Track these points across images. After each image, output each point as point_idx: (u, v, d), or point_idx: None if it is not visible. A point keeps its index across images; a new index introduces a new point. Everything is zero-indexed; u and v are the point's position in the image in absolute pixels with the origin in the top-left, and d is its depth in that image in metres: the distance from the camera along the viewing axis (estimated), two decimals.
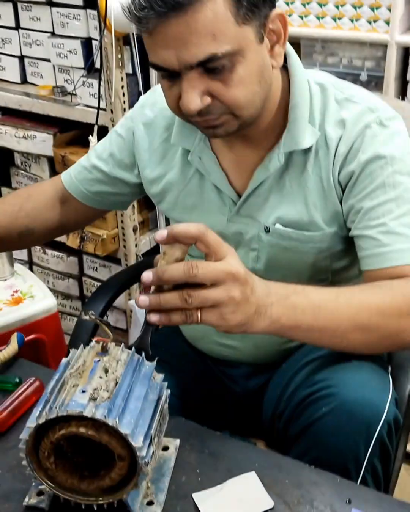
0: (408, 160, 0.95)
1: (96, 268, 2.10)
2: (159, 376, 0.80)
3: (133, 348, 0.80)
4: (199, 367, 1.17)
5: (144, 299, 0.76)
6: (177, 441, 0.85)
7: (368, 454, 0.87)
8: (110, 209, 1.26)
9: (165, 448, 0.84)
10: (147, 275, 0.75)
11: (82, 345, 0.80)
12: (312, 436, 0.91)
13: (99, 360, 0.76)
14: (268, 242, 1.03)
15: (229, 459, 0.83)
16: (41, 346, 1.69)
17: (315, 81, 0.99)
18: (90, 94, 1.84)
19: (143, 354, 0.80)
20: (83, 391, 0.71)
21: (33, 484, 0.78)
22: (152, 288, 0.78)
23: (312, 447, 0.91)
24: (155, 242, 0.82)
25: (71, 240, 2.00)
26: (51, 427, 0.71)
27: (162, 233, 0.76)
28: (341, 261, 1.05)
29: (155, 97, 1.10)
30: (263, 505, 0.77)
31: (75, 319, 2.21)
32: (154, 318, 0.75)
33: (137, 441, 0.69)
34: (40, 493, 0.77)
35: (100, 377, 0.73)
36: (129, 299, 1.99)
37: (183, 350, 1.17)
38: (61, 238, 2.05)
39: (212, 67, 0.85)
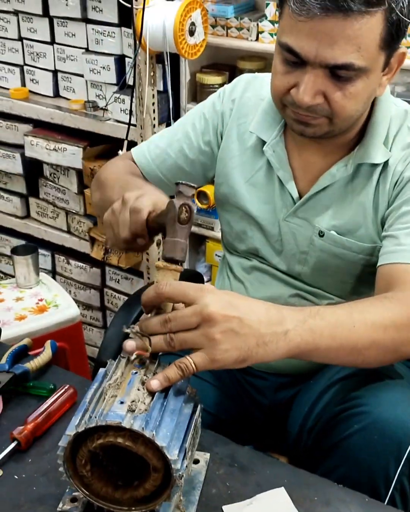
0: None
1: (119, 280, 2.11)
2: (194, 390, 0.80)
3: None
4: (228, 380, 1.17)
5: (131, 344, 0.76)
6: (208, 455, 0.85)
7: (397, 473, 0.87)
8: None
9: (196, 462, 0.84)
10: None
11: (119, 357, 0.80)
12: (342, 452, 0.91)
13: (136, 372, 0.76)
14: (320, 246, 1.07)
15: (258, 474, 0.83)
16: (63, 354, 1.71)
17: (400, 106, 1.04)
18: (121, 110, 1.86)
19: None
20: (122, 402, 0.72)
21: (67, 490, 0.78)
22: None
23: (341, 463, 0.91)
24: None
25: (96, 252, 2.01)
26: (89, 435, 0.71)
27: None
28: None
29: (238, 87, 1.15)
30: None
31: (95, 329, 2.23)
32: (155, 385, 0.73)
33: (172, 454, 0.70)
34: (73, 499, 0.78)
35: (138, 390, 0.74)
36: None
37: None
38: (86, 250, 2.08)
39: (339, 74, 0.89)
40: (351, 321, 0.81)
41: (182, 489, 0.74)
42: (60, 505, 0.77)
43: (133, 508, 0.75)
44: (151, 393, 0.74)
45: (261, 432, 1.19)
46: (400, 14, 0.87)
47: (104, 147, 1.98)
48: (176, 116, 1.87)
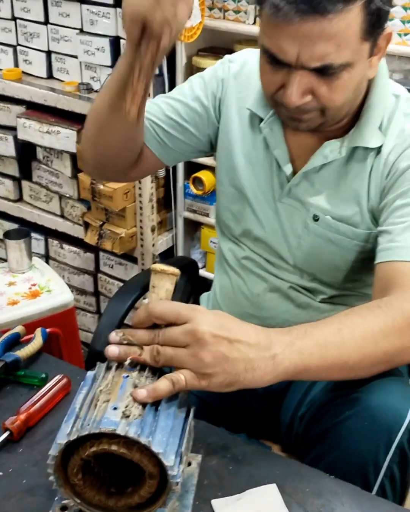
0: None
1: (112, 265, 2.10)
2: (186, 392, 0.77)
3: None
4: None
5: (114, 350, 0.74)
6: (200, 457, 0.83)
7: (387, 459, 0.88)
8: (161, 161, 1.17)
9: (188, 464, 0.82)
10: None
11: (106, 362, 0.77)
12: (333, 438, 0.92)
13: (128, 376, 0.74)
14: (314, 230, 1.06)
15: (251, 465, 0.83)
16: (56, 340, 1.71)
17: (392, 92, 1.03)
18: None
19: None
20: (115, 408, 0.69)
21: (56, 498, 0.76)
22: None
23: (332, 449, 0.92)
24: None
25: (90, 237, 2.00)
26: (81, 443, 0.69)
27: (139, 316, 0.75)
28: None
29: (239, 59, 1.14)
30: None
31: (89, 314, 2.22)
32: (141, 395, 0.71)
33: (169, 460, 0.68)
34: (63, 507, 0.75)
35: (131, 394, 0.72)
36: (144, 298, 1.99)
37: None
38: (80, 234, 2.07)
39: (323, 71, 0.88)
40: (341, 338, 0.80)
41: (178, 494, 0.72)
42: None
43: None
44: None
45: (254, 419, 1.20)
46: (380, 1, 0.86)
47: None
48: None
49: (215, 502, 0.78)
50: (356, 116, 1.02)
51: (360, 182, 1.02)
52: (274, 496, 0.79)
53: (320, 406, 0.97)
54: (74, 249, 2.15)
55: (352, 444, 0.89)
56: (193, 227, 2.06)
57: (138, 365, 0.76)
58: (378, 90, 1.00)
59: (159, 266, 0.77)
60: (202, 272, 1.89)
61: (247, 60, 1.13)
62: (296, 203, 1.07)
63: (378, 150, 1.00)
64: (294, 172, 1.06)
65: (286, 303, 1.14)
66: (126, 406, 0.70)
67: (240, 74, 1.12)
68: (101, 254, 2.11)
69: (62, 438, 0.68)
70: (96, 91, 1.90)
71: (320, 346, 0.78)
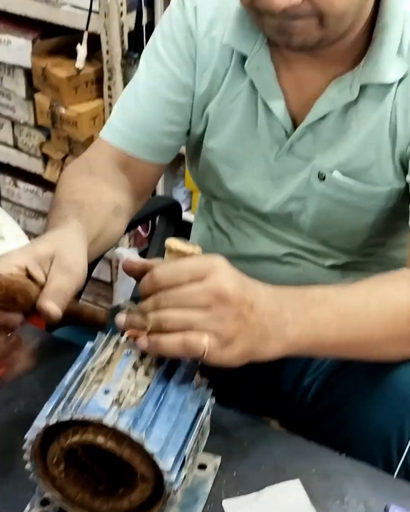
0: None
1: None
2: (203, 380, 0.75)
3: None
4: None
5: (121, 318, 0.72)
6: (219, 459, 0.80)
7: None
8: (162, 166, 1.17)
9: (202, 466, 0.79)
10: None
11: (110, 330, 0.75)
12: (347, 411, 0.92)
13: (129, 354, 0.71)
14: (320, 191, 1.02)
15: (246, 441, 0.83)
16: None
17: None
18: None
19: None
20: (107, 392, 0.67)
21: (37, 490, 0.74)
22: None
23: (345, 424, 0.92)
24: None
25: (50, 173, 1.98)
26: (64, 429, 0.66)
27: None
28: (404, 221, 1.00)
29: None
30: None
31: None
32: (143, 342, 0.69)
33: (166, 462, 0.64)
34: (45, 501, 0.74)
35: (128, 377, 0.69)
36: (116, 247, 1.98)
37: None
38: (38, 169, 2.04)
39: None
40: (366, 311, 0.78)
41: (178, 503, 0.69)
42: (28, 508, 0.74)
43: None
44: (146, 382, 0.69)
45: (248, 390, 1.19)
46: None
47: (59, 39, 1.92)
48: (149, 1, 1.80)
49: (226, 503, 0.76)
50: (365, 39, 0.94)
51: (378, 123, 0.96)
52: (298, 493, 0.77)
53: (330, 374, 0.97)
54: (31, 187, 2.14)
55: (371, 417, 0.89)
56: (175, 161, 2.00)
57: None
58: (391, 3, 0.92)
59: (175, 244, 0.74)
60: (186, 215, 1.86)
61: None
62: (297, 161, 1.02)
63: (401, 79, 0.93)
64: (293, 123, 1.00)
65: (284, 269, 1.11)
66: (120, 391, 0.67)
67: (201, 8, 1.02)
68: None
69: (41, 420, 0.66)
70: None
71: (339, 316, 0.76)
